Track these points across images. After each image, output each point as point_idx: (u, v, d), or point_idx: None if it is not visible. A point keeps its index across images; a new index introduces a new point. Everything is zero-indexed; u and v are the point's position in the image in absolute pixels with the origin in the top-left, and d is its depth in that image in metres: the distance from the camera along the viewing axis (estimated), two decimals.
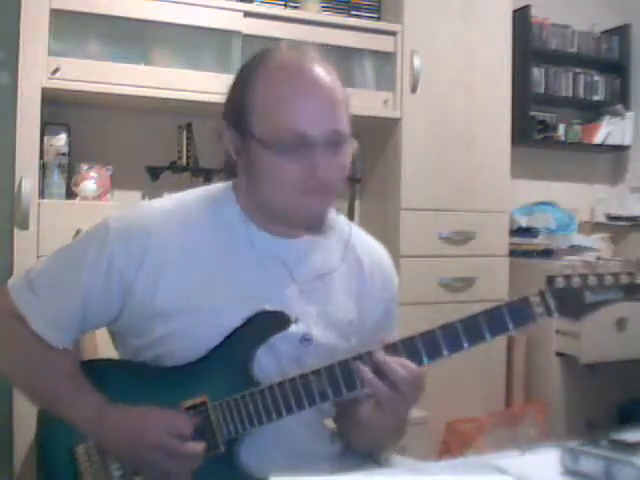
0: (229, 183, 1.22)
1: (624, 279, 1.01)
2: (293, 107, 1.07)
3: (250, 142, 1.10)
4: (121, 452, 1.10)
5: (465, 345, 1.04)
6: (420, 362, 1.05)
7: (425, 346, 1.05)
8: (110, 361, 1.23)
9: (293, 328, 1.12)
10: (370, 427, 1.17)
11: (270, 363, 1.13)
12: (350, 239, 1.24)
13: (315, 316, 1.16)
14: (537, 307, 1.03)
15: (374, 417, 1.14)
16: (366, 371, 1.04)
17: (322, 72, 1.10)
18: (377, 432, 1.18)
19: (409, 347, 1.06)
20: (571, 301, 1.02)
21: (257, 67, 1.12)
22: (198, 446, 1.06)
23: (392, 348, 1.06)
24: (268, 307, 1.12)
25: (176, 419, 1.07)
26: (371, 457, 1.25)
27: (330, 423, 1.27)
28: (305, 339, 1.14)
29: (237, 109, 1.12)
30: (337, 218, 1.26)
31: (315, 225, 1.14)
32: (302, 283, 1.16)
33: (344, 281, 1.21)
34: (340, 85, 1.12)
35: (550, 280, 1.02)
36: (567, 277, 1.02)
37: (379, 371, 1.04)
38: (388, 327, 1.25)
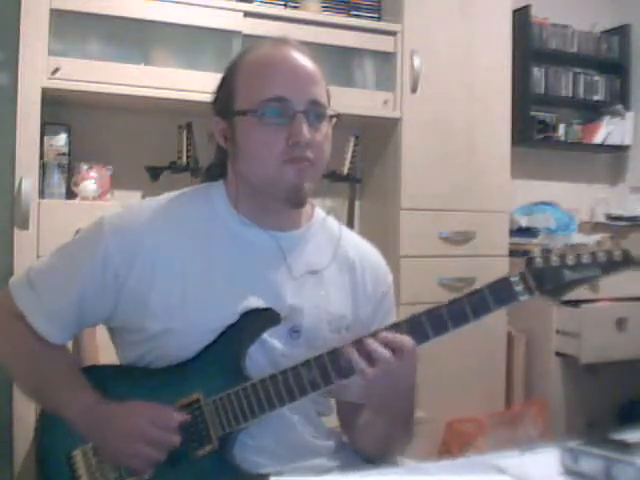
0: (219, 181, 1.24)
1: (602, 257, 1.02)
2: (273, 75, 1.13)
3: (235, 120, 1.15)
4: (104, 444, 1.11)
5: (450, 328, 1.05)
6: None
7: (411, 330, 1.05)
8: (105, 367, 1.25)
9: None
10: (374, 428, 1.17)
11: (261, 357, 1.13)
12: (341, 239, 1.26)
13: (307, 308, 1.17)
14: (517, 286, 1.04)
15: (376, 417, 1.14)
16: (352, 350, 1.04)
17: (302, 54, 1.16)
18: (381, 432, 1.17)
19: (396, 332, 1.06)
20: (550, 280, 1.03)
21: (241, 57, 1.19)
22: (175, 438, 1.07)
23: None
24: (258, 303, 1.13)
25: (163, 411, 1.08)
26: (368, 456, 1.25)
27: (327, 421, 1.27)
28: (294, 331, 1.16)
29: (223, 97, 1.18)
30: (327, 219, 1.27)
31: (294, 198, 1.14)
32: (295, 275, 1.17)
33: (336, 278, 1.22)
34: (320, 73, 1.17)
35: (529, 260, 1.04)
36: (546, 257, 1.03)
37: (364, 352, 1.04)
38: (382, 323, 1.25)
